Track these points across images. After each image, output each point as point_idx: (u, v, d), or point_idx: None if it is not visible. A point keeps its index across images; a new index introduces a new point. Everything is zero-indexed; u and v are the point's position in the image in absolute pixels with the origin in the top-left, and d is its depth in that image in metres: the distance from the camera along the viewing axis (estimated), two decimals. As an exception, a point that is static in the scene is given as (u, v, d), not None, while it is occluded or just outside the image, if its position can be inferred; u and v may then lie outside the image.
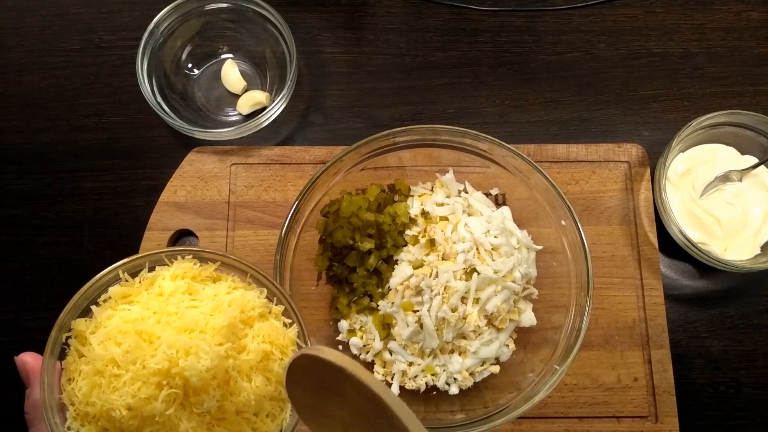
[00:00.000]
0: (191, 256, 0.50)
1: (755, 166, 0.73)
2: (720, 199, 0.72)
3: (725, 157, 0.74)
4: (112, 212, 0.76)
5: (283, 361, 0.48)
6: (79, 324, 0.47)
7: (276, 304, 0.52)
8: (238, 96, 0.79)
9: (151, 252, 0.50)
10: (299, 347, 0.49)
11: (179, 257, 0.50)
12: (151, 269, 0.50)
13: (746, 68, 0.81)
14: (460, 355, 0.65)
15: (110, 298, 0.48)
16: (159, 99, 0.75)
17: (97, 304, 0.48)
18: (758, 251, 0.71)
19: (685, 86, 0.81)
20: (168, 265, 0.50)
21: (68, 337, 0.47)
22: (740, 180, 0.73)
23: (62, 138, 0.78)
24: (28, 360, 0.48)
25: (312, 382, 0.42)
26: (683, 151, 0.75)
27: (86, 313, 0.48)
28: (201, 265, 0.51)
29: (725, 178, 0.73)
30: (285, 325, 0.51)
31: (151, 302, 0.47)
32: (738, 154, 0.75)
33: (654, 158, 0.75)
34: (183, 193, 0.74)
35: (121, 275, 0.49)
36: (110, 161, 0.77)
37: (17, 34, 0.82)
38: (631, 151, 0.76)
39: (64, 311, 0.46)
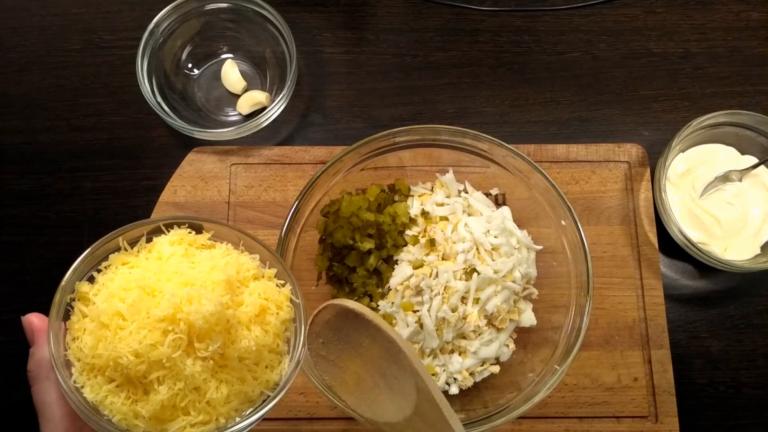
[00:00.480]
0: (186, 225, 0.52)
1: (755, 166, 0.73)
2: (720, 199, 0.72)
3: (725, 157, 0.74)
4: (112, 212, 0.76)
5: (279, 315, 0.50)
6: (83, 286, 0.48)
7: (268, 268, 0.53)
8: (238, 96, 0.79)
9: (150, 220, 0.52)
10: (293, 303, 0.51)
11: (176, 226, 0.52)
12: (148, 241, 0.52)
13: (746, 68, 0.81)
14: (460, 355, 0.65)
15: (110, 264, 0.50)
16: (159, 99, 0.75)
17: (98, 271, 0.50)
18: (758, 251, 0.71)
19: (685, 86, 0.81)
20: (165, 234, 0.52)
21: (72, 299, 0.48)
22: (740, 180, 0.73)
23: (62, 138, 0.78)
24: (34, 320, 0.50)
25: (332, 333, 0.46)
26: (683, 151, 0.75)
27: (88, 281, 0.50)
28: (196, 234, 0.53)
29: (725, 178, 0.73)
30: (278, 286, 0.53)
31: (151, 265, 0.49)
32: (738, 154, 0.75)
33: (654, 158, 0.75)
34: (183, 193, 0.74)
35: (121, 243, 0.50)
36: (110, 161, 0.77)
37: (17, 34, 0.82)
38: (631, 151, 0.76)
39: (67, 276, 0.48)
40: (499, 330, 0.66)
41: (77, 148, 0.78)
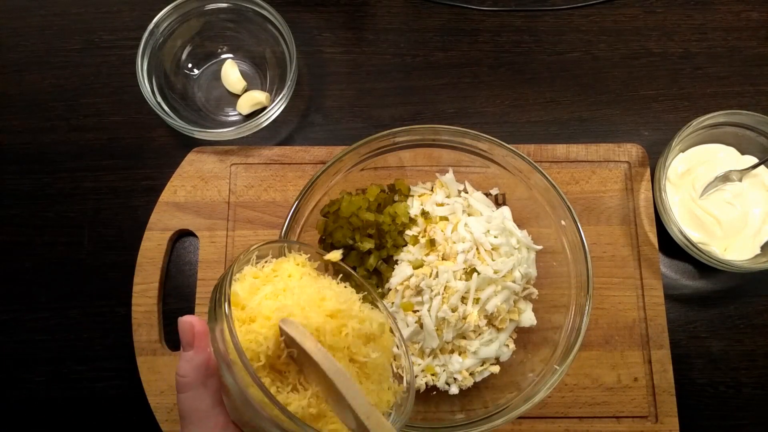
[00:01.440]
0: (302, 252, 0.54)
1: (755, 166, 0.73)
2: (720, 199, 0.72)
3: (725, 157, 0.74)
4: (112, 212, 0.76)
5: (387, 340, 0.51)
6: (239, 289, 0.46)
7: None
8: (238, 96, 0.79)
9: (279, 240, 0.55)
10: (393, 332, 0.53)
11: (293, 251, 0.53)
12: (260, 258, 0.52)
13: (746, 68, 0.81)
14: (460, 355, 0.65)
15: (245, 275, 0.49)
16: (159, 99, 0.75)
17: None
18: (758, 251, 0.71)
19: (685, 86, 0.81)
20: (285, 256, 0.53)
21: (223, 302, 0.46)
22: (740, 180, 0.73)
23: (62, 138, 0.78)
24: (195, 323, 0.47)
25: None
26: (683, 151, 0.75)
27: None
28: (311, 260, 0.54)
29: (725, 178, 0.73)
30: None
31: (288, 282, 0.50)
32: (738, 154, 0.75)
33: (654, 158, 0.75)
34: (183, 193, 0.74)
35: (253, 258, 0.50)
36: (110, 161, 0.77)
37: (17, 34, 0.82)
38: (631, 151, 0.76)
39: (227, 281, 0.44)
40: (499, 330, 0.66)
41: (77, 148, 0.78)
